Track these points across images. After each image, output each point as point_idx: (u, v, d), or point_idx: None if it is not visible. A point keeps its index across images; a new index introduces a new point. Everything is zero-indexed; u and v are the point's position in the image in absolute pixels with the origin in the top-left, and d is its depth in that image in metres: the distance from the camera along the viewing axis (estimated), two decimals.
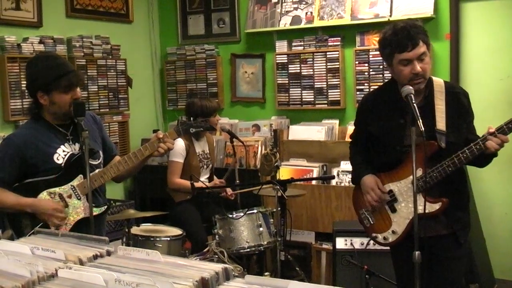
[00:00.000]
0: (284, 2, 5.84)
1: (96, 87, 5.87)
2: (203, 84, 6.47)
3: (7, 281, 1.51)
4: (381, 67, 5.31)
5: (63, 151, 3.07)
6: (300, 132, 5.65)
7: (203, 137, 5.01)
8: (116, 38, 6.17)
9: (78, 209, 3.10)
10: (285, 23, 5.81)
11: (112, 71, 6.04)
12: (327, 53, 5.62)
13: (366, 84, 5.46)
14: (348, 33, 5.59)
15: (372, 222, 3.11)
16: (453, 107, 2.88)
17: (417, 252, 2.61)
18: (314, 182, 5.24)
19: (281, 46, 5.88)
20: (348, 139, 5.37)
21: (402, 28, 2.81)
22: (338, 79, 5.59)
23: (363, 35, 5.49)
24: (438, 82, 2.95)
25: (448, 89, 2.92)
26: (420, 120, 2.61)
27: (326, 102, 5.67)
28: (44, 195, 3.04)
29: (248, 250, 4.30)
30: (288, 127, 5.81)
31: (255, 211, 4.35)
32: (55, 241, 1.94)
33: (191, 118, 3.23)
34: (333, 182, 5.17)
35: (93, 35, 5.90)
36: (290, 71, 5.83)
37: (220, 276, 1.57)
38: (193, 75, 6.53)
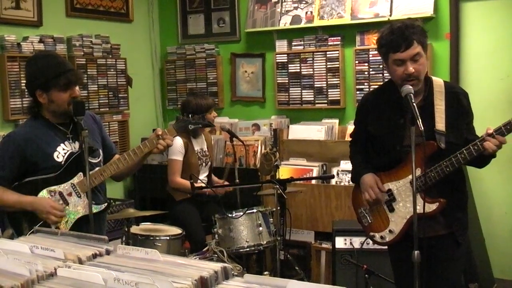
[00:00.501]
0: (284, 1, 5.83)
1: (96, 86, 5.87)
2: (203, 83, 6.47)
3: (7, 280, 1.51)
4: (381, 66, 5.31)
5: (63, 149, 3.08)
6: (300, 131, 5.65)
7: (201, 135, 5.01)
8: (116, 38, 6.17)
9: (78, 207, 3.10)
10: (285, 22, 5.81)
11: (112, 70, 6.04)
12: (327, 52, 5.62)
13: (366, 84, 5.46)
14: (348, 32, 5.59)
15: (370, 221, 3.12)
16: (452, 108, 2.88)
17: (416, 252, 2.61)
18: (313, 181, 5.24)
19: (281, 45, 5.88)
20: (348, 138, 5.37)
21: (398, 28, 2.82)
22: (338, 79, 5.59)
23: (363, 34, 5.49)
24: (438, 82, 2.95)
25: (448, 89, 2.92)
26: (420, 120, 2.61)
27: (326, 101, 5.67)
28: (44, 193, 3.05)
29: (248, 249, 4.30)
30: (288, 127, 5.81)
31: (254, 210, 4.35)
32: (54, 240, 1.94)
33: (189, 115, 3.23)
34: (333, 181, 5.18)
35: (93, 35, 5.90)
36: (290, 70, 5.83)
37: (219, 275, 1.57)
38: (193, 74, 6.53)
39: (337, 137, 5.54)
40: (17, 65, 5.10)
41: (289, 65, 5.82)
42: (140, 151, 3.13)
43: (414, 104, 2.67)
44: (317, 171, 5.33)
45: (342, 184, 5.12)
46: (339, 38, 5.59)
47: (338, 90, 5.60)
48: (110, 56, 6.04)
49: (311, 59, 5.70)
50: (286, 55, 5.84)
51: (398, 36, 2.80)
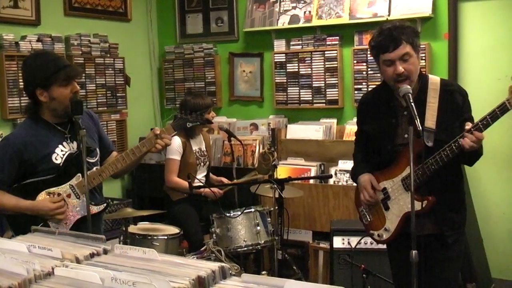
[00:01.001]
0: (283, 1, 5.83)
1: (94, 85, 5.87)
2: (201, 83, 6.47)
3: (4, 279, 1.51)
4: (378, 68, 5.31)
5: (61, 150, 3.07)
6: (298, 131, 5.65)
7: (199, 134, 5.01)
8: (114, 37, 6.16)
9: (77, 207, 3.09)
10: (283, 22, 5.81)
11: (110, 69, 6.04)
12: (325, 52, 5.62)
13: (364, 84, 5.46)
14: (346, 32, 5.59)
15: (370, 220, 3.14)
16: (446, 105, 2.87)
17: (414, 252, 2.61)
18: (311, 181, 5.25)
19: (279, 45, 5.88)
20: (346, 138, 5.40)
21: (386, 29, 2.86)
22: (336, 78, 5.59)
23: (361, 34, 5.49)
24: (434, 80, 2.95)
25: (443, 87, 2.91)
26: (418, 120, 2.61)
27: (324, 101, 5.68)
28: (43, 195, 3.03)
29: (246, 249, 4.30)
30: (286, 126, 5.81)
31: (252, 210, 4.36)
32: (52, 240, 1.94)
33: (187, 114, 3.22)
34: (331, 181, 5.18)
35: (91, 34, 5.90)
36: (288, 70, 5.83)
37: (216, 275, 1.57)
38: (191, 74, 6.53)
39: (335, 137, 5.54)
40: (15, 64, 5.09)
41: (287, 65, 5.82)
42: (138, 151, 3.12)
43: (412, 104, 2.67)
44: (315, 170, 5.33)
45: (340, 183, 5.13)
46: (337, 37, 5.59)
47: (336, 89, 5.60)
48: (108, 55, 6.03)
49: (309, 58, 5.70)
50: (284, 54, 5.84)
51: (386, 36, 2.84)
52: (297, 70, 5.78)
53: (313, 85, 5.71)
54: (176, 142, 4.74)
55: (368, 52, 5.36)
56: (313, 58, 5.68)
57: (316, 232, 5.19)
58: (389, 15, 5.19)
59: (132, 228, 4.44)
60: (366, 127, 3.14)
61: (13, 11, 5.18)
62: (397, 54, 2.81)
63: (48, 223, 3.02)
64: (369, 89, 5.29)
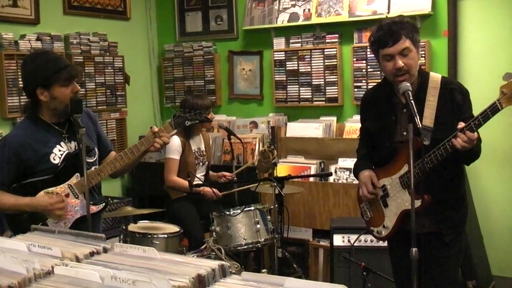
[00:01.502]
0: None
1: (94, 84, 5.87)
2: (201, 81, 6.46)
3: (3, 278, 1.51)
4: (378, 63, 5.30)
5: (59, 150, 3.06)
6: (297, 129, 5.65)
7: (198, 134, 5.01)
8: (114, 35, 6.16)
9: (76, 207, 3.09)
10: (282, 20, 5.80)
11: (110, 68, 6.04)
12: (325, 50, 5.61)
13: (363, 81, 5.46)
14: (345, 30, 5.59)
15: (370, 216, 3.15)
16: (445, 103, 2.87)
17: (414, 249, 2.61)
18: (311, 179, 5.25)
19: (279, 43, 5.88)
20: (345, 136, 5.39)
21: (386, 25, 2.87)
22: (336, 76, 5.59)
23: (361, 32, 5.49)
24: (435, 78, 2.94)
25: (443, 85, 2.90)
26: (418, 117, 2.61)
27: (323, 99, 5.67)
28: (41, 195, 3.03)
29: (246, 247, 4.30)
30: (286, 124, 5.81)
31: (252, 208, 4.36)
32: (51, 238, 1.93)
33: (186, 112, 3.22)
34: (331, 179, 5.18)
35: (90, 32, 5.90)
36: (287, 68, 5.82)
37: (216, 273, 1.57)
38: (190, 72, 6.53)
39: (335, 135, 5.53)
40: (14, 63, 5.09)
41: (287, 63, 5.82)
42: (137, 150, 3.11)
43: (412, 101, 2.67)
44: (315, 168, 5.33)
45: (340, 181, 5.12)
46: (337, 35, 5.59)
47: (336, 87, 5.59)
48: (108, 54, 6.03)
49: (309, 56, 5.70)
50: (283, 52, 5.84)
51: (386, 31, 2.85)
52: (296, 68, 5.78)
53: (313, 83, 5.71)
54: (175, 141, 4.74)
55: (368, 50, 5.36)
56: (312, 56, 5.68)
57: (316, 230, 5.19)
58: (388, 12, 5.19)
59: (132, 227, 4.44)
60: (366, 124, 3.15)
61: (12, 10, 5.18)
62: (396, 49, 2.81)
63: (47, 222, 3.02)
64: (369, 87, 5.30)
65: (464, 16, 5.11)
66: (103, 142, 3.35)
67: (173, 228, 4.49)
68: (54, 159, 3.03)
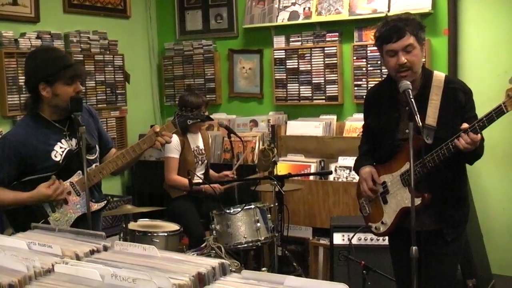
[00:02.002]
0: None
1: (94, 82, 5.87)
2: (201, 79, 6.46)
3: (4, 276, 1.51)
4: (379, 62, 5.31)
5: (60, 147, 3.05)
6: (297, 127, 5.65)
7: (197, 133, 5.01)
8: (114, 34, 6.16)
9: (77, 205, 3.09)
10: (282, 18, 5.80)
11: (110, 66, 6.04)
12: (325, 48, 5.61)
13: (364, 80, 5.45)
14: (346, 28, 5.59)
15: (369, 212, 3.16)
16: (448, 103, 2.87)
17: (414, 247, 2.61)
18: (311, 177, 5.24)
19: (279, 41, 5.88)
20: (345, 134, 5.39)
21: (391, 21, 2.88)
22: (336, 75, 5.58)
23: (361, 30, 5.49)
24: (439, 76, 2.94)
25: (446, 84, 2.91)
26: (418, 116, 2.61)
27: (324, 97, 5.67)
28: (41, 186, 3.02)
29: (246, 245, 4.30)
30: (286, 123, 5.80)
31: (252, 206, 4.36)
32: (51, 236, 1.93)
33: (187, 111, 3.21)
34: (331, 177, 5.17)
35: (90, 31, 5.89)
36: (287, 66, 5.82)
37: (216, 271, 1.57)
38: (190, 70, 6.52)
39: (335, 133, 5.53)
40: (14, 61, 5.09)
41: (287, 61, 5.82)
42: (139, 148, 3.11)
43: (412, 99, 2.67)
44: (315, 167, 5.33)
45: (340, 180, 5.12)
46: (337, 34, 5.59)
47: (336, 86, 5.59)
48: (108, 52, 6.03)
49: (309, 55, 5.70)
50: (284, 51, 5.84)
51: (391, 27, 2.85)
52: (296, 66, 5.78)
53: (313, 81, 5.71)
54: (174, 140, 4.73)
55: (368, 49, 5.37)
56: (312, 55, 5.68)
57: (316, 228, 5.19)
58: (388, 11, 5.18)
59: (132, 225, 4.44)
60: (369, 121, 3.16)
61: (12, 8, 5.18)
62: (400, 45, 2.82)
63: (48, 220, 3.02)
64: (369, 85, 5.30)
65: (464, 14, 5.11)
66: (103, 139, 3.34)
67: (173, 227, 4.49)
68: (55, 157, 3.03)
